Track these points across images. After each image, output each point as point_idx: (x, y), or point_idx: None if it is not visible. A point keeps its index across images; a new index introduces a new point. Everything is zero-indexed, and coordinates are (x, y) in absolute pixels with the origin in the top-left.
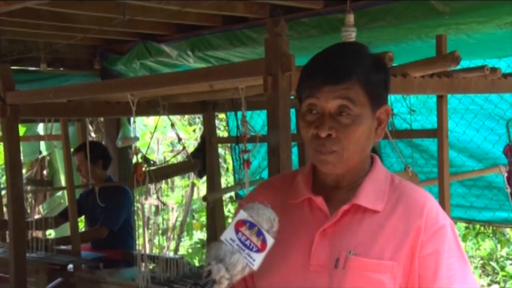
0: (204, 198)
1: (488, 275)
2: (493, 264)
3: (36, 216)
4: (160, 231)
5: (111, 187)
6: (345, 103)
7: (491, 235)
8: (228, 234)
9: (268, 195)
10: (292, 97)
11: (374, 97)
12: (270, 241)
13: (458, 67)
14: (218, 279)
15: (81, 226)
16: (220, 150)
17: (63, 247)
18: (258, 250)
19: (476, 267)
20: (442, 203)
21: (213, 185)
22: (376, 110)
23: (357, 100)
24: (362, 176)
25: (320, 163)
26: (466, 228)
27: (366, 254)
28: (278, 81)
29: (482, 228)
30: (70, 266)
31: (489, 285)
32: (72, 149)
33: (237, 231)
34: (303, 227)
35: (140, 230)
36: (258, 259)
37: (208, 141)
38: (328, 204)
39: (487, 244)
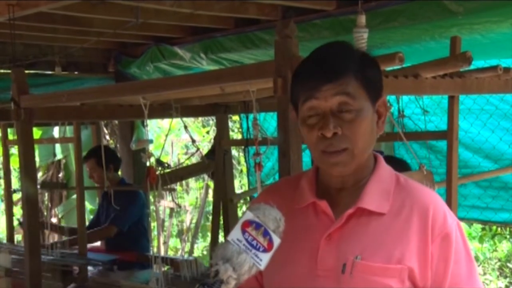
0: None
1: (505, 277)
2: (511, 266)
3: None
4: (175, 233)
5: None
6: (345, 99)
7: (508, 236)
8: (235, 235)
9: (274, 200)
10: None
11: (371, 89)
12: (276, 241)
13: (472, 67)
14: (226, 279)
15: None
16: (235, 152)
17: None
18: (265, 250)
19: (493, 269)
20: (449, 205)
21: (223, 187)
22: (375, 103)
23: (356, 94)
24: (366, 175)
25: (330, 165)
26: (483, 229)
27: (373, 259)
28: (287, 83)
29: (499, 229)
30: (76, 267)
31: (506, 287)
32: (85, 152)
33: (243, 231)
34: (309, 232)
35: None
36: (265, 259)
37: (218, 144)
38: (332, 207)
39: (505, 246)
